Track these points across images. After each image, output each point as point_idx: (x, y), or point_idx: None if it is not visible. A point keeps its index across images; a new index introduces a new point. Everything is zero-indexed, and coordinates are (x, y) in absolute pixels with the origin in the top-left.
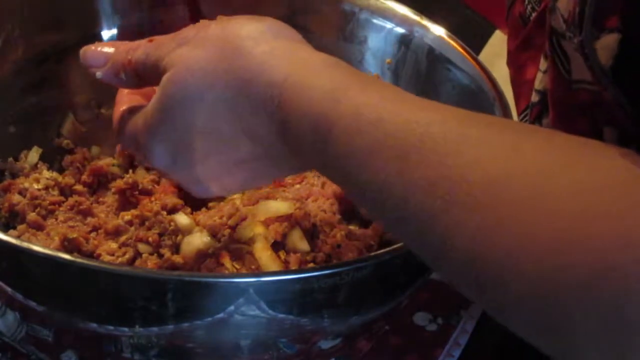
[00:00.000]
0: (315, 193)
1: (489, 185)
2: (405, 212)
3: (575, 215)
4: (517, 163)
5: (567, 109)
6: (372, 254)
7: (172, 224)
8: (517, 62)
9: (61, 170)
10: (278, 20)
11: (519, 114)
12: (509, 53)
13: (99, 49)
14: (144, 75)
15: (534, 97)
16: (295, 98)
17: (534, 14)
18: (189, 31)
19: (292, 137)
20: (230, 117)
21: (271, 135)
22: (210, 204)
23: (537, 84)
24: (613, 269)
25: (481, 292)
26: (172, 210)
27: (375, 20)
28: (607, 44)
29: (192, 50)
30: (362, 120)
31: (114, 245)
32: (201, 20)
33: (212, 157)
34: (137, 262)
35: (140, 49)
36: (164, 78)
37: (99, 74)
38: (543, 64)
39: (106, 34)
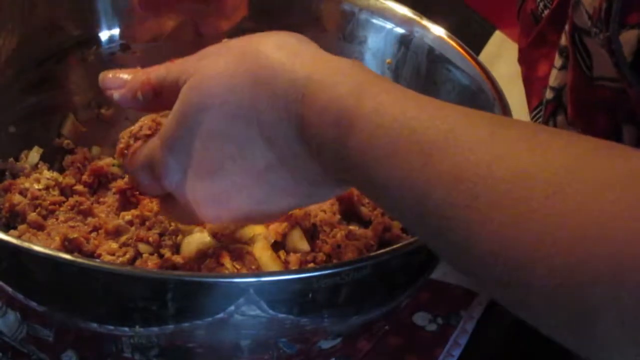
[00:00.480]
0: None
1: (514, 180)
2: (427, 208)
3: (598, 211)
4: (541, 160)
5: (587, 106)
6: (372, 254)
7: (172, 224)
8: (529, 59)
9: (62, 170)
10: (298, 34)
11: (531, 111)
12: (521, 50)
13: (117, 74)
14: (162, 91)
15: (549, 94)
16: (318, 94)
17: (546, 12)
18: (210, 48)
19: (313, 134)
20: (247, 120)
21: (290, 135)
22: None
23: (552, 81)
24: (633, 265)
25: (504, 287)
26: None
27: (375, 21)
28: (627, 40)
29: (213, 60)
30: (386, 116)
31: (114, 245)
32: (223, 40)
33: (227, 168)
34: (138, 262)
35: (161, 67)
36: (184, 87)
37: (116, 95)
38: (558, 61)
39: (106, 34)
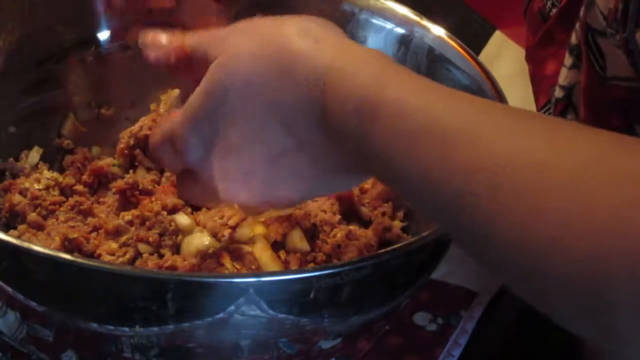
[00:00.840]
0: None
1: (533, 171)
2: (447, 198)
3: (615, 205)
4: (562, 151)
5: (600, 106)
6: (372, 254)
7: (172, 224)
8: (536, 57)
9: (62, 170)
10: (325, 19)
11: (538, 110)
12: (528, 49)
13: (157, 36)
14: (194, 59)
15: (558, 93)
16: (340, 82)
17: (554, 10)
18: (241, 23)
19: (334, 122)
20: (267, 104)
21: (310, 122)
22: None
23: (562, 80)
24: None
25: (523, 278)
26: (173, 211)
27: (375, 21)
28: None
29: (240, 38)
30: (408, 105)
31: (114, 245)
32: (258, 15)
33: (244, 149)
34: (138, 262)
35: (194, 36)
36: (212, 64)
37: (152, 55)
38: (568, 60)
39: (105, 34)
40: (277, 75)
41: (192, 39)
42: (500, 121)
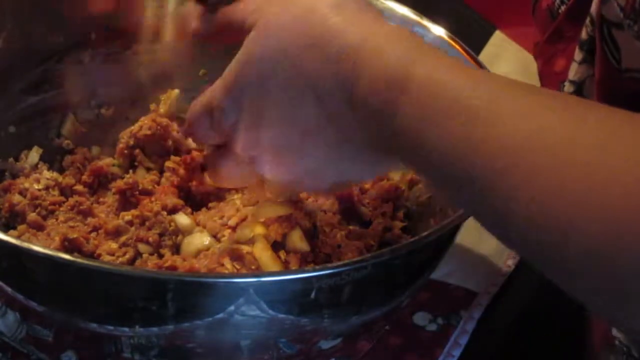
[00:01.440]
0: None
1: (550, 150)
2: (470, 175)
3: (633, 182)
4: (582, 128)
5: (613, 98)
6: (372, 254)
7: (172, 224)
8: (545, 54)
9: (61, 171)
10: None
11: None
12: (536, 46)
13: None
14: (231, 28)
15: (568, 88)
16: (371, 61)
17: (563, 7)
18: None
19: (363, 98)
20: (298, 76)
21: (340, 97)
22: (211, 204)
23: (572, 75)
24: None
25: (542, 255)
26: (173, 211)
27: None
28: None
29: (277, 12)
30: (435, 84)
31: (114, 246)
32: None
33: (279, 123)
34: (137, 262)
35: (233, 4)
36: (249, 37)
37: (195, 24)
38: (578, 55)
39: (105, 34)
40: (309, 49)
41: (230, 9)
42: (519, 100)
